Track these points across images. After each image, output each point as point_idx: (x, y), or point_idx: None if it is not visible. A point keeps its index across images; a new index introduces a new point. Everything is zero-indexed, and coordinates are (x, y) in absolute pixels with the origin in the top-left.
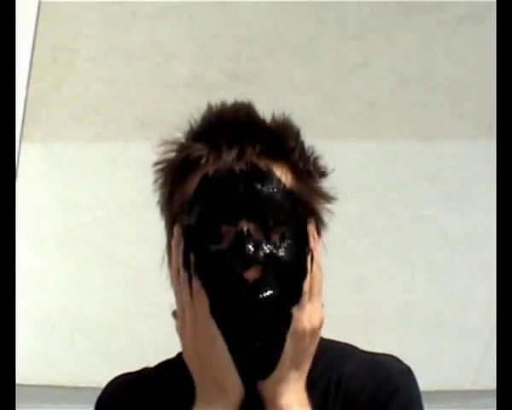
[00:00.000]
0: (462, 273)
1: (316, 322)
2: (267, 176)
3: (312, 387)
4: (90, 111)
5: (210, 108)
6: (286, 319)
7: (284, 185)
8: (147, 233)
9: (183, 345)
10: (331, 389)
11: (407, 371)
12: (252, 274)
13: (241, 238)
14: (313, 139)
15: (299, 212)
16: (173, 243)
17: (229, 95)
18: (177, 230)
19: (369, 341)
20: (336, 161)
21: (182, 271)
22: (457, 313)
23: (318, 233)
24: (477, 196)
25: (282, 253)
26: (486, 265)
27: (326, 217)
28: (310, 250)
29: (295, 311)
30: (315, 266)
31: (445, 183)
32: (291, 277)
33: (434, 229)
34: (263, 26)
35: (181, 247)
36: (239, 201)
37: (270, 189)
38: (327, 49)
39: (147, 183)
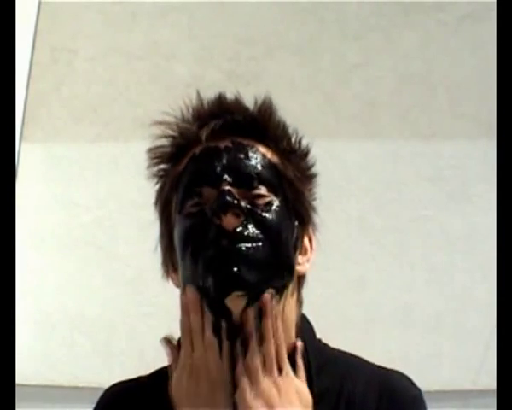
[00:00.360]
0: (462, 273)
1: (271, 394)
2: (251, 150)
3: (318, 403)
4: (89, 111)
5: (200, 100)
6: (269, 274)
7: (269, 160)
8: (147, 233)
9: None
10: (340, 407)
11: (419, 396)
12: (230, 221)
13: (222, 192)
14: (313, 139)
15: (286, 191)
16: (189, 304)
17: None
18: (190, 290)
19: (369, 341)
20: (336, 161)
21: (211, 337)
22: (457, 313)
23: (309, 221)
24: (477, 196)
25: (266, 214)
26: (486, 265)
27: (313, 199)
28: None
29: (237, 398)
30: (267, 345)
31: (445, 183)
32: (278, 239)
33: (434, 229)
34: (263, 26)
35: (210, 318)
36: (222, 168)
37: (254, 160)
38: (327, 49)
39: (147, 183)
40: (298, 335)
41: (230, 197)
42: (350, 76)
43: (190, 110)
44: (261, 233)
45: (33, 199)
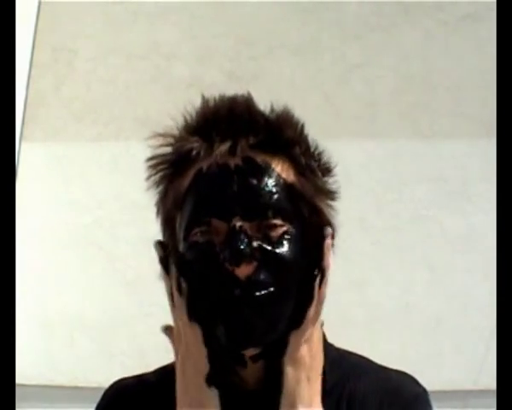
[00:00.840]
0: (462, 273)
1: (315, 343)
2: (264, 171)
3: (322, 401)
4: (90, 111)
5: (206, 101)
6: (282, 319)
7: (284, 181)
8: (147, 233)
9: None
10: (342, 405)
11: (422, 395)
12: (243, 270)
13: (233, 233)
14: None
15: (304, 211)
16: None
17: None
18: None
19: (369, 341)
20: (336, 161)
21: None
22: (457, 313)
23: (332, 237)
24: (477, 196)
25: (280, 250)
26: (486, 265)
27: (331, 216)
28: (322, 270)
29: (293, 337)
30: (324, 287)
31: (445, 183)
32: (291, 277)
33: (434, 229)
34: (263, 26)
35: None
36: (233, 197)
37: (267, 184)
38: (327, 49)
39: (147, 183)
40: None
41: (243, 243)
42: (350, 76)
43: (195, 116)
44: (275, 276)
45: (33, 199)
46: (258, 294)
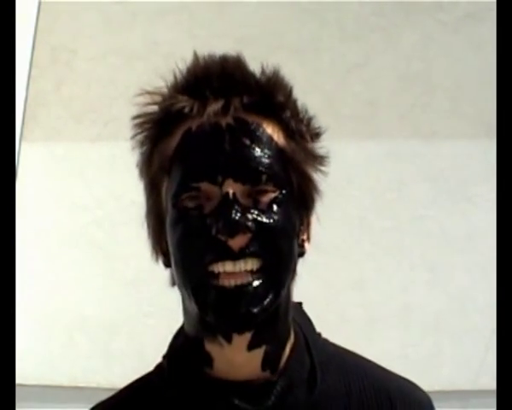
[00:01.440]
0: (462, 273)
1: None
2: (256, 132)
3: (326, 402)
4: (90, 111)
5: (196, 59)
6: (275, 291)
7: (276, 143)
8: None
9: None
10: (352, 407)
11: (432, 404)
12: (237, 242)
13: (226, 203)
14: None
15: (292, 176)
16: None
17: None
18: None
19: (369, 341)
20: (336, 161)
21: None
22: (457, 313)
23: (313, 203)
24: (477, 196)
25: (272, 219)
26: (486, 265)
27: (319, 183)
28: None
29: None
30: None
31: (445, 183)
32: (283, 246)
33: (434, 229)
34: (263, 26)
35: None
36: (225, 158)
37: (260, 146)
38: (327, 49)
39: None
40: (296, 329)
41: (238, 214)
42: (350, 76)
43: (185, 74)
44: (267, 246)
45: (33, 199)
46: (250, 288)
